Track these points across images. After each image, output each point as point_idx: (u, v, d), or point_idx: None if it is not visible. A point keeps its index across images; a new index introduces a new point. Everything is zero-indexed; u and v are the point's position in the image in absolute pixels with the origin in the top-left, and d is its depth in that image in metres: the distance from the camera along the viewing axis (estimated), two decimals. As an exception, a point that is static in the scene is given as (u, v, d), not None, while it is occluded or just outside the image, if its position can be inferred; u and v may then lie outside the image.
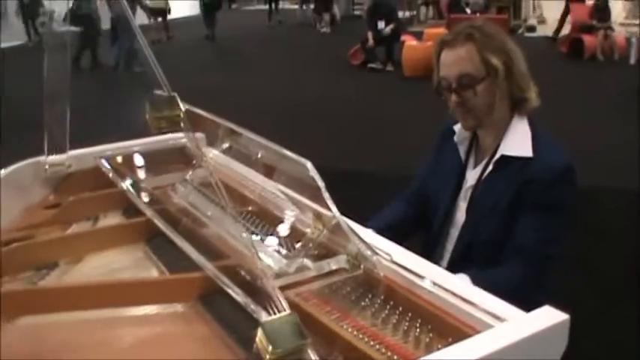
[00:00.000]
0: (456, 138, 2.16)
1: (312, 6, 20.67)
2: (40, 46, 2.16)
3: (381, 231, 2.04)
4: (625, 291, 3.95)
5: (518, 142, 2.00)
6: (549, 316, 1.24)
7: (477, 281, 1.63)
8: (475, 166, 2.13)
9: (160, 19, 17.45)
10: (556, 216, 1.96)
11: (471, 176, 2.11)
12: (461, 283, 1.40)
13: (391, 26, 12.35)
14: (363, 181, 5.58)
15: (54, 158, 2.30)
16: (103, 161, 2.31)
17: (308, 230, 1.64)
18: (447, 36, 2.05)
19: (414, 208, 2.33)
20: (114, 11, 13.41)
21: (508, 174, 1.99)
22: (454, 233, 2.15)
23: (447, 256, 2.16)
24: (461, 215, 2.13)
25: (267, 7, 21.99)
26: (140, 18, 14.76)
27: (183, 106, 1.28)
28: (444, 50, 2.04)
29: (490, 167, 2.04)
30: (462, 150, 2.16)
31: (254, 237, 1.70)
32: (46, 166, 2.30)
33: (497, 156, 2.02)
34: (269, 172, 1.85)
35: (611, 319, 3.51)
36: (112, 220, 2.12)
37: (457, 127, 2.16)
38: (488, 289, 1.43)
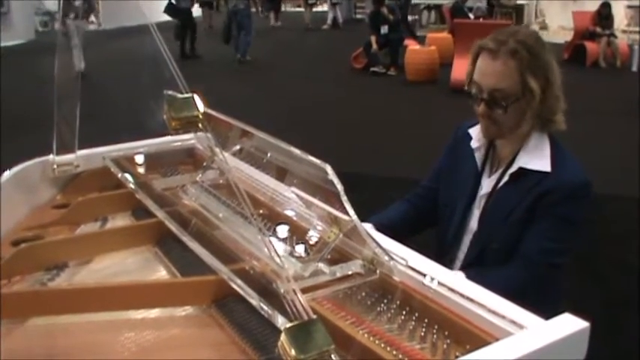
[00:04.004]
0: (473, 144, 2.13)
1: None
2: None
3: (380, 228, 2.05)
4: (628, 298, 3.96)
5: (536, 156, 1.98)
6: (569, 324, 1.23)
7: (473, 280, 1.60)
8: (490, 174, 2.10)
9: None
10: (566, 228, 1.95)
11: (486, 184, 2.09)
12: (478, 288, 1.38)
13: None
14: (365, 185, 5.57)
15: (62, 158, 2.28)
16: (112, 162, 2.29)
17: (323, 234, 1.62)
18: (489, 41, 1.95)
19: (416, 210, 2.31)
20: (231, 5, 14.16)
21: (524, 186, 1.97)
22: (466, 240, 2.14)
23: (458, 263, 2.15)
24: (474, 223, 2.11)
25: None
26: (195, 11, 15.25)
27: (201, 107, 1.26)
28: (483, 54, 1.97)
29: (506, 178, 2.02)
30: (479, 157, 2.12)
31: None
32: (54, 166, 2.28)
33: (514, 168, 2.00)
34: (281, 174, 1.83)
35: (614, 325, 3.51)
36: (121, 221, 2.10)
37: (473, 132, 2.14)
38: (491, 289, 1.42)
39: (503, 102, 1.93)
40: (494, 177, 2.07)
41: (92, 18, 12.29)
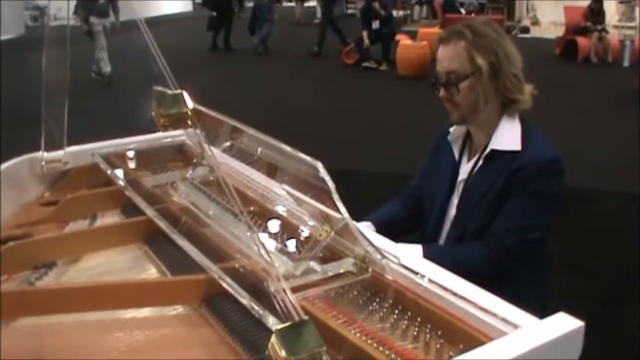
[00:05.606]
0: (449, 137, 2.22)
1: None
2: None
3: (378, 226, 2.13)
4: (623, 294, 3.95)
5: (508, 137, 2.05)
6: (564, 323, 1.22)
7: (438, 254, 1.68)
8: (468, 162, 2.17)
9: None
10: (538, 204, 2.01)
11: (463, 171, 2.16)
12: (473, 288, 1.36)
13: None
14: (358, 181, 5.55)
15: (51, 154, 2.26)
16: (101, 158, 2.27)
17: (315, 232, 1.60)
18: (444, 32, 2.10)
19: (409, 210, 2.36)
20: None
21: (497, 167, 2.04)
22: (446, 228, 2.19)
23: None
24: (453, 210, 2.17)
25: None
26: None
27: (190, 103, 1.24)
28: (440, 46, 2.09)
29: (480, 162, 2.09)
30: (456, 148, 2.21)
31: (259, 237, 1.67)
32: (43, 163, 2.25)
33: (487, 151, 2.07)
34: (272, 171, 1.82)
35: (610, 322, 3.50)
36: (110, 218, 2.08)
37: (451, 128, 2.22)
38: (450, 264, 1.45)
39: (456, 82, 2.03)
40: (471, 163, 2.14)
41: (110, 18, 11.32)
